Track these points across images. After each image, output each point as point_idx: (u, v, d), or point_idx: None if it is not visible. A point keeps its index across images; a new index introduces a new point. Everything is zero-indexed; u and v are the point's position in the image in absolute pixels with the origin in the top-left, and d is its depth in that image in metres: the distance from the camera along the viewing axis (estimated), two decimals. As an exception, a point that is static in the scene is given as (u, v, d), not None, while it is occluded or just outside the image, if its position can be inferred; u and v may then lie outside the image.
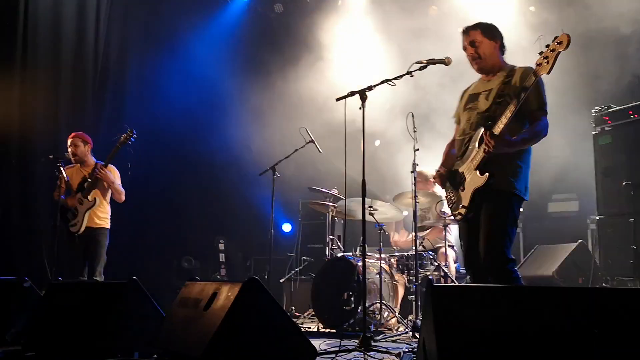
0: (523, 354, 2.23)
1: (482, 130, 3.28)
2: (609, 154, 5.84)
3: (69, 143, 5.61)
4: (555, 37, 3.06)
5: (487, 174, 3.25)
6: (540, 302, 2.36)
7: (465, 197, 3.38)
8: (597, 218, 5.91)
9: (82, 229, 5.39)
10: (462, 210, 3.41)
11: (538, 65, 3.09)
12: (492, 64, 3.51)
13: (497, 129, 3.20)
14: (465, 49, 3.57)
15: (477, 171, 3.30)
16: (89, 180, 5.45)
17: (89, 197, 5.44)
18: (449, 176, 3.57)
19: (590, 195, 6.24)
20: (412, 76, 3.99)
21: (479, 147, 3.30)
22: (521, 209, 3.47)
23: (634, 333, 2.24)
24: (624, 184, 5.53)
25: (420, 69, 3.99)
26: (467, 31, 3.56)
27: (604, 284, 5.62)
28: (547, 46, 3.07)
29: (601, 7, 6.90)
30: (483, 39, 3.49)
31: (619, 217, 5.65)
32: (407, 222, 6.44)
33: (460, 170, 3.46)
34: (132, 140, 5.46)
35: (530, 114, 3.31)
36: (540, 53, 3.09)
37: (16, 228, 6.58)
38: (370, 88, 4.12)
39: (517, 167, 3.34)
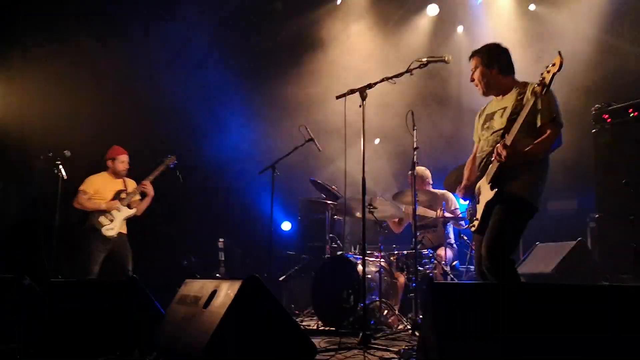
0: (523, 350, 2.24)
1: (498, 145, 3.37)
2: (609, 151, 5.84)
3: (126, 159, 6.03)
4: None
5: (496, 189, 3.38)
6: (539, 299, 2.36)
7: (480, 209, 3.52)
8: (597, 216, 5.92)
9: (116, 234, 5.78)
10: (476, 223, 3.55)
11: (538, 85, 3.26)
12: (495, 88, 3.64)
13: (509, 139, 3.30)
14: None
15: (489, 185, 3.43)
16: (127, 191, 5.94)
17: (130, 207, 5.91)
18: (472, 190, 3.69)
19: (589, 193, 6.24)
20: (412, 74, 4.01)
21: (493, 160, 3.40)
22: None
23: (634, 329, 2.25)
24: (623, 182, 5.54)
25: (420, 67, 4.00)
26: (471, 57, 3.72)
27: (603, 282, 5.62)
28: (546, 67, 3.22)
29: (603, 6, 6.91)
30: (479, 66, 3.64)
31: (618, 215, 5.65)
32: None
33: (479, 184, 3.59)
34: (172, 165, 6.13)
35: (542, 127, 3.37)
36: (542, 74, 3.24)
37: (15, 225, 6.58)
38: (370, 86, 4.12)
39: (533, 178, 3.41)
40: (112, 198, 5.86)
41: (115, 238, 5.77)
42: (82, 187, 5.82)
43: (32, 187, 6.73)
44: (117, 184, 5.98)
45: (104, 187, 5.90)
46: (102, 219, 5.73)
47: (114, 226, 5.78)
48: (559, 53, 3.15)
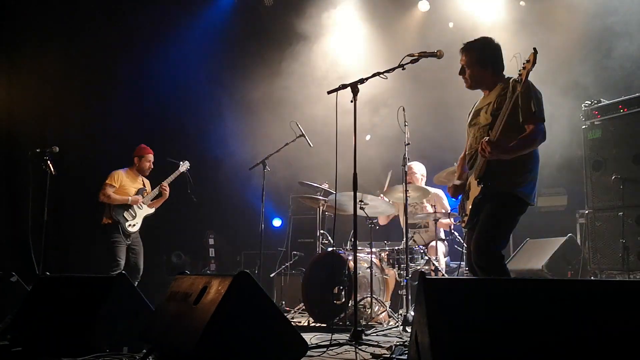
0: (514, 345, 2.23)
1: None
2: (598, 148, 5.87)
3: (152, 159, 6.23)
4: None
5: (482, 185, 3.39)
6: (531, 294, 2.37)
7: (468, 205, 3.54)
8: (586, 212, 5.95)
9: (137, 230, 6.03)
10: (465, 218, 3.58)
11: (516, 82, 3.26)
12: (480, 82, 3.66)
13: (493, 135, 3.31)
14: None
15: (477, 181, 3.43)
16: (146, 190, 6.19)
17: (149, 206, 6.16)
18: (461, 189, 3.70)
19: (579, 189, 6.27)
20: (404, 69, 4.00)
21: (480, 156, 3.40)
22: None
23: (623, 323, 2.25)
24: (613, 177, 5.57)
25: (412, 62, 4.00)
26: (462, 50, 3.72)
27: (592, 278, 5.66)
28: (523, 64, 3.22)
29: (593, 3, 6.93)
30: (467, 61, 3.65)
31: (608, 211, 5.69)
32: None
33: (469, 181, 3.60)
34: (187, 171, 6.47)
35: (525, 122, 3.38)
36: (519, 71, 3.24)
37: (3, 222, 6.52)
38: (362, 81, 4.10)
39: (521, 172, 3.42)
40: (134, 195, 6.07)
41: (132, 235, 5.99)
42: (108, 181, 6.01)
43: (20, 183, 6.66)
44: (138, 182, 6.20)
45: (128, 183, 6.10)
46: (126, 214, 5.94)
47: (136, 222, 6.02)
48: (534, 49, 3.16)
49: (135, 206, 6.05)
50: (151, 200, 6.21)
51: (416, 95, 7.56)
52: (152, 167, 6.27)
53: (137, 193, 6.11)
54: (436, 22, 8.30)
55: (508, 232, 3.46)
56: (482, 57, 3.61)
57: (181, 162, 6.45)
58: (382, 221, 6.36)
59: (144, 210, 6.13)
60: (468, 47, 3.67)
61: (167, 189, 6.23)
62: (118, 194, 5.98)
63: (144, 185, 6.25)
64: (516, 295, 2.37)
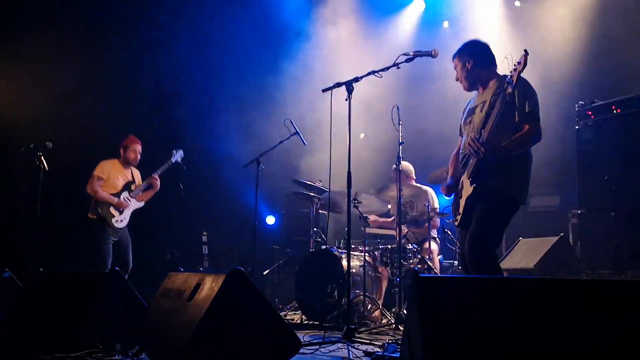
0: (507, 344, 2.25)
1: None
2: (591, 148, 5.90)
3: (138, 149, 5.89)
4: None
5: (475, 184, 3.40)
6: (523, 293, 2.38)
7: (461, 204, 3.54)
8: (579, 212, 5.98)
9: (124, 225, 5.72)
10: (458, 217, 3.58)
11: (507, 84, 3.28)
12: (476, 81, 3.67)
13: (485, 135, 3.32)
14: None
15: (469, 180, 3.44)
16: (135, 183, 5.86)
17: (138, 199, 5.84)
18: (454, 189, 3.70)
19: (572, 190, 6.30)
20: (398, 68, 4.01)
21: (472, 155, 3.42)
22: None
23: (614, 323, 2.27)
24: (605, 178, 5.60)
25: (407, 61, 4.01)
26: (453, 59, 3.77)
27: (584, 277, 5.69)
28: (514, 65, 3.25)
29: (587, 3, 6.97)
30: (457, 63, 3.70)
31: (600, 211, 5.72)
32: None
33: (462, 179, 3.60)
34: (180, 159, 6.12)
35: (520, 122, 3.39)
36: (510, 72, 3.27)
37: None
38: (356, 79, 4.11)
39: (513, 172, 3.43)
40: (121, 187, 5.76)
41: (119, 230, 5.72)
42: (96, 173, 5.67)
43: (13, 179, 6.62)
44: (126, 174, 5.88)
45: (115, 174, 5.78)
46: (112, 210, 5.65)
47: (123, 218, 5.71)
48: (525, 51, 3.17)
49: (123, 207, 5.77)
50: (141, 193, 5.90)
51: (412, 94, 7.59)
52: (140, 157, 5.93)
53: (125, 186, 5.79)
54: (431, 21, 8.33)
55: (501, 232, 3.48)
56: (468, 56, 3.65)
57: (174, 151, 6.09)
58: (373, 223, 6.35)
59: (133, 205, 5.82)
60: (457, 52, 3.74)
61: (158, 180, 5.89)
62: (106, 189, 5.67)
63: (133, 177, 5.91)
64: (508, 294, 2.38)
